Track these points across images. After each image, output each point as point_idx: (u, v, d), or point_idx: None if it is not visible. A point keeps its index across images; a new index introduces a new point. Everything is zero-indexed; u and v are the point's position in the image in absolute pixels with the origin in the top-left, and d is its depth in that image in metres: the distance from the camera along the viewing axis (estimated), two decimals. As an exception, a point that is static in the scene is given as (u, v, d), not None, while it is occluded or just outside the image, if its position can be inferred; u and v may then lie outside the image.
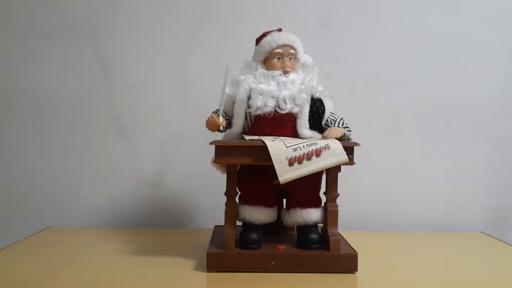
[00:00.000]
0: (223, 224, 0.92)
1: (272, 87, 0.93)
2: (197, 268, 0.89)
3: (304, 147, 0.86)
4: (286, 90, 0.92)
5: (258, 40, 0.98)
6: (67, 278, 0.85)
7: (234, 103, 0.95)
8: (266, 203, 0.94)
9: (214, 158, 0.90)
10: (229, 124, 0.97)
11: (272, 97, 0.92)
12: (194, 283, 0.83)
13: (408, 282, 0.85)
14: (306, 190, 0.93)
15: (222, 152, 0.88)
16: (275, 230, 1.00)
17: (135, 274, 0.87)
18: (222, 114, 0.94)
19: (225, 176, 0.92)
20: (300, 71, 0.97)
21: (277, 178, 0.84)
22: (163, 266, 0.91)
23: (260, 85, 0.93)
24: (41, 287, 0.81)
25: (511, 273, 0.92)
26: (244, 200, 0.94)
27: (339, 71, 1.30)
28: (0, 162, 1.32)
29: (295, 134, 0.93)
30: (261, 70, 0.95)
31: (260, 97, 0.92)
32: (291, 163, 0.85)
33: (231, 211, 0.91)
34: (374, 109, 1.31)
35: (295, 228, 0.97)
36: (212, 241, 0.95)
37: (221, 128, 0.93)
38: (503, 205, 1.34)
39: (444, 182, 1.32)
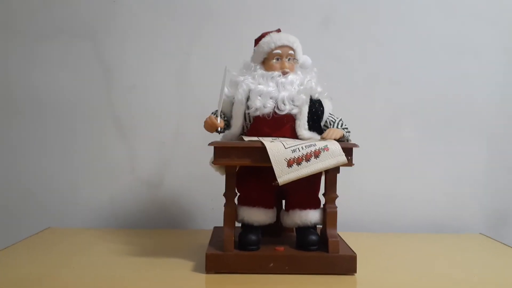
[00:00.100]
0: (222, 225, 0.92)
1: (271, 88, 0.93)
2: (196, 269, 0.90)
3: (303, 148, 0.86)
4: (285, 91, 0.92)
5: (257, 41, 0.98)
6: (66, 278, 0.85)
7: (233, 104, 0.95)
8: (265, 204, 0.94)
9: (213, 159, 0.90)
10: (228, 125, 0.97)
11: (271, 98, 0.92)
12: (192, 284, 0.83)
13: (408, 284, 0.85)
14: (305, 191, 0.93)
15: (221, 153, 0.88)
16: (274, 232, 1.00)
17: (134, 274, 0.87)
18: (221, 115, 0.94)
19: (224, 177, 0.92)
20: (299, 72, 0.97)
21: (276, 180, 0.84)
22: (162, 267, 0.91)
23: (259, 86, 0.93)
24: (40, 287, 0.81)
25: (510, 275, 0.92)
26: (243, 201, 0.94)
27: (339, 71, 1.29)
28: (0, 162, 1.32)
29: (294, 135, 0.93)
30: (260, 71, 0.95)
31: (259, 98, 0.92)
32: (289, 164, 0.85)
33: (230, 212, 0.91)
34: (373, 109, 1.31)
35: (294, 229, 0.97)
36: (211, 242, 0.95)
37: (219, 129, 0.93)
38: (503, 206, 1.33)
39: (444, 182, 1.32)
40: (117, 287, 0.81)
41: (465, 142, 1.32)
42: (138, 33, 1.31)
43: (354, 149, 0.89)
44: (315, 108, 0.95)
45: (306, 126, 0.93)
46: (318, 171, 0.86)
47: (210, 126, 0.93)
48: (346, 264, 0.87)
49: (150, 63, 1.31)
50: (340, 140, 0.90)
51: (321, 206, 0.95)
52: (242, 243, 0.90)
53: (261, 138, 0.90)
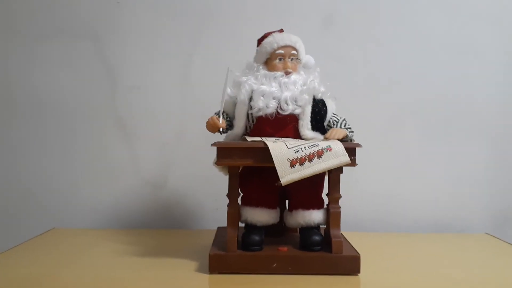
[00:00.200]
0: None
1: (273, 88, 0.92)
2: (199, 269, 0.89)
3: (305, 149, 0.86)
4: (288, 91, 0.92)
5: (260, 41, 0.98)
6: (67, 279, 0.85)
7: (235, 104, 0.95)
8: (268, 205, 0.93)
9: (215, 160, 0.90)
10: (230, 126, 0.97)
11: (273, 98, 0.92)
12: (196, 284, 0.83)
13: (412, 284, 0.85)
14: (308, 191, 0.93)
15: (223, 153, 0.88)
16: (277, 232, 1.00)
17: (136, 275, 0.87)
18: (224, 116, 0.94)
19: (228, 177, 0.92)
20: (302, 72, 0.97)
21: (279, 180, 0.84)
22: (165, 267, 0.91)
23: (261, 86, 0.93)
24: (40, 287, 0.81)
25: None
26: (246, 202, 0.94)
27: (339, 71, 1.29)
28: (0, 162, 1.31)
29: (297, 135, 0.93)
30: (263, 71, 0.95)
31: (261, 98, 0.92)
32: (292, 164, 0.85)
33: (233, 213, 0.90)
34: (374, 109, 1.31)
35: (298, 229, 0.97)
36: (215, 243, 0.95)
37: (221, 129, 0.93)
38: (506, 205, 1.33)
39: (447, 182, 1.32)
40: (119, 287, 0.81)
41: (465, 142, 1.33)
42: (139, 34, 1.31)
43: (357, 149, 0.89)
44: (318, 108, 0.94)
45: (309, 126, 0.93)
46: (321, 171, 0.86)
47: (212, 127, 0.93)
48: (350, 265, 0.87)
49: (151, 63, 1.31)
50: (343, 140, 0.90)
51: (325, 206, 0.95)
52: (245, 244, 0.90)
53: (264, 139, 0.89)
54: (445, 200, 1.32)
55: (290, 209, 0.95)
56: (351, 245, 0.94)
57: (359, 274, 0.87)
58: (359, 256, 0.87)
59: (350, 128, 0.94)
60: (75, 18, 1.30)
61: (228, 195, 0.91)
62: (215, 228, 1.10)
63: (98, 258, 0.99)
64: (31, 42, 1.30)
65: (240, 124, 0.95)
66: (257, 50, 0.98)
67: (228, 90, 0.94)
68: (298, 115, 0.93)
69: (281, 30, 0.98)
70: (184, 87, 1.31)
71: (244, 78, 0.95)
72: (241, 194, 0.94)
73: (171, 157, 1.31)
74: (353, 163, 0.88)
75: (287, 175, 0.85)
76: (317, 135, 0.93)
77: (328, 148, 0.86)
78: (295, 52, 0.96)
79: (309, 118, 0.93)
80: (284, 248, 0.90)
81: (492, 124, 1.33)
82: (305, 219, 0.92)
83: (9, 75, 1.31)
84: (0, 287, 0.81)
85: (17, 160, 1.31)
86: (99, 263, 0.95)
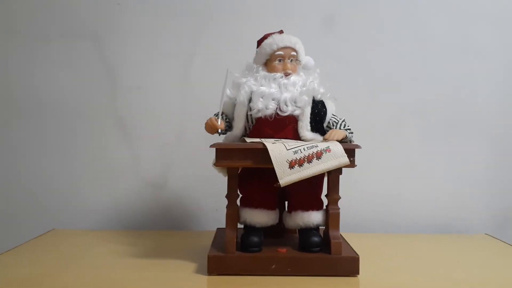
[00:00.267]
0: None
1: (273, 89, 0.92)
2: (198, 271, 0.89)
3: (304, 150, 0.85)
4: (287, 92, 0.92)
5: (259, 42, 0.98)
6: (67, 279, 0.85)
7: (235, 105, 0.95)
8: (268, 206, 0.93)
9: (214, 161, 0.90)
10: (229, 127, 0.97)
11: (273, 99, 0.92)
12: (194, 286, 0.83)
13: (411, 285, 0.85)
14: (307, 192, 0.93)
15: (222, 155, 0.88)
16: (276, 233, 1.00)
17: (136, 276, 0.87)
18: (223, 117, 0.94)
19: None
20: (301, 73, 0.97)
21: (278, 181, 0.84)
22: (164, 268, 0.91)
23: (261, 87, 0.93)
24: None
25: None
26: (246, 203, 0.94)
27: (340, 71, 1.29)
28: (0, 162, 1.31)
29: (296, 136, 0.93)
30: (262, 73, 0.95)
31: (261, 99, 0.92)
32: (291, 165, 0.85)
33: (232, 214, 0.90)
34: (374, 109, 1.31)
35: (297, 231, 0.97)
36: (214, 244, 0.95)
37: (220, 131, 0.93)
38: (506, 205, 1.33)
39: (447, 182, 1.32)
40: (118, 289, 0.82)
41: (466, 142, 1.32)
42: (139, 34, 1.31)
43: (356, 150, 0.89)
44: (318, 109, 0.94)
45: (309, 127, 0.93)
46: (320, 173, 0.86)
47: (210, 128, 0.93)
48: (349, 266, 0.87)
49: (152, 64, 1.31)
50: (342, 141, 0.90)
51: (324, 207, 0.95)
52: (244, 245, 0.90)
53: (263, 140, 0.89)
54: (445, 200, 1.32)
55: (289, 210, 0.95)
56: (350, 247, 0.94)
57: (358, 275, 0.87)
58: (358, 257, 0.87)
59: (349, 129, 0.94)
60: (75, 18, 1.30)
61: (227, 196, 0.91)
62: (215, 229, 1.10)
63: (98, 258, 0.99)
64: (31, 42, 1.30)
65: (239, 125, 0.95)
66: (256, 51, 0.98)
67: (227, 91, 0.94)
68: (298, 116, 0.93)
69: (281, 31, 0.98)
70: (184, 87, 1.31)
71: (244, 79, 0.95)
72: (240, 195, 0.94)
73: (171, 157, 1.31)
74: (352, 164, 0.88)
75: (286, 176, 0.85)
76: (317, 136, 0.93)
77: (327, 149, 0.86)
78: (294, 53, 0.95)
79: (308, 119, 0.93)
80: (283, 250, 0.90)
81: (492, 124, 1.33)
82: (304, 220, 0.92)
83: (9, 75, 1.31)
84: (0, 287, 0.81)
85: (17, 160, 1.31)
86: (99, 263, 0.95)
